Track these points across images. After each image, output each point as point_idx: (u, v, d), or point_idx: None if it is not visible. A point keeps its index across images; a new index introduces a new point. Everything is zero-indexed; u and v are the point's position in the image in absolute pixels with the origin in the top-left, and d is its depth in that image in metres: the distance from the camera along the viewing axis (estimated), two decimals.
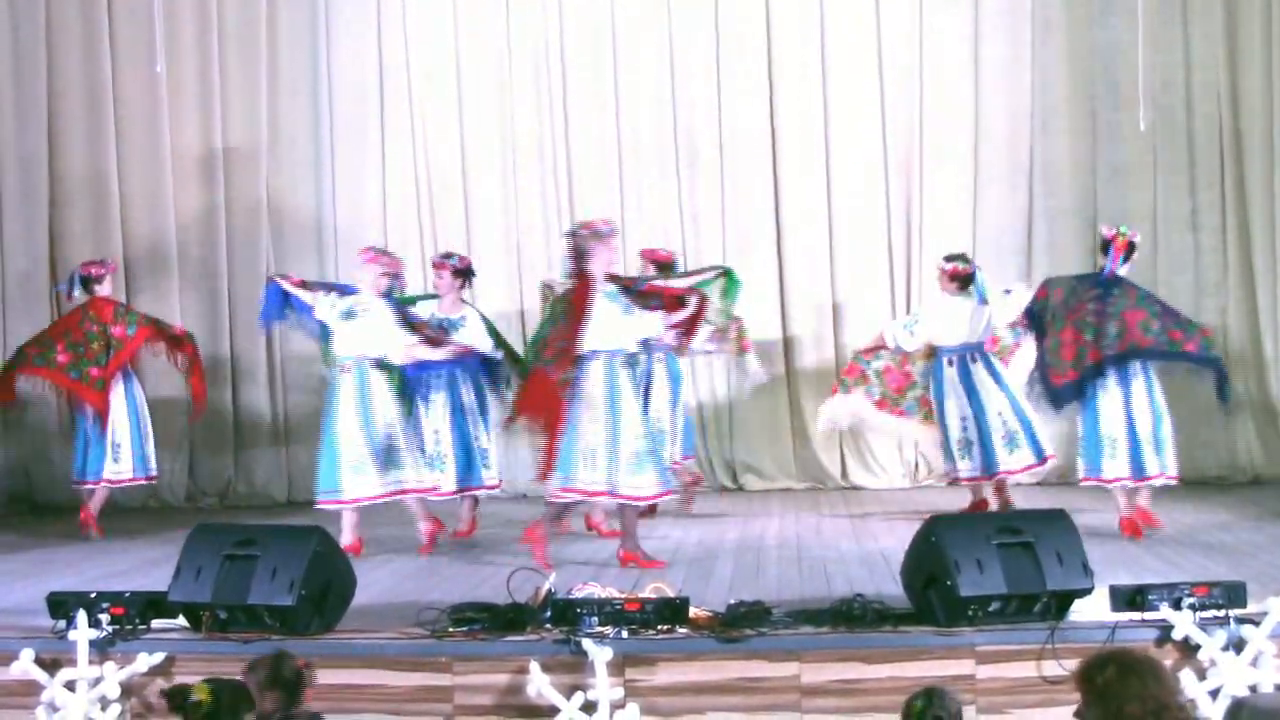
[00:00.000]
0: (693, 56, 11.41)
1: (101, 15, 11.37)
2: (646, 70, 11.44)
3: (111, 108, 11.39)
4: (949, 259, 9.49)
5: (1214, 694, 5.65)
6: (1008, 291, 9.34)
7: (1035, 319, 8.74)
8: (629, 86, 11.44)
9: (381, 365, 8.48)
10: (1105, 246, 8.61)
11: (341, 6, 11.53)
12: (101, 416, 9.65)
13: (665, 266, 9.64)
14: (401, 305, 8.73)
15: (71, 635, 6.05)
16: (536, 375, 7.96)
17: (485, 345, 9.07)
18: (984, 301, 9.27)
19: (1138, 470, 8.44)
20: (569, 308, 7.93)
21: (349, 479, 8.35)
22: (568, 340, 7.83)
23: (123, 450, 9.75)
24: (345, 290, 8.76)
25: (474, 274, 9.31)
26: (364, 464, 8.35)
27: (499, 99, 11.49)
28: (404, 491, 8.48)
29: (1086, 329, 8.42)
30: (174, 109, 11.42)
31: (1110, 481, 8.47)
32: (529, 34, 11.48)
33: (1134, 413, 8.46)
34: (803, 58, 11.33)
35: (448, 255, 9.39)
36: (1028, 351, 9.12)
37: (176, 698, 4.71)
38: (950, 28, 11.24)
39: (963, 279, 9.29)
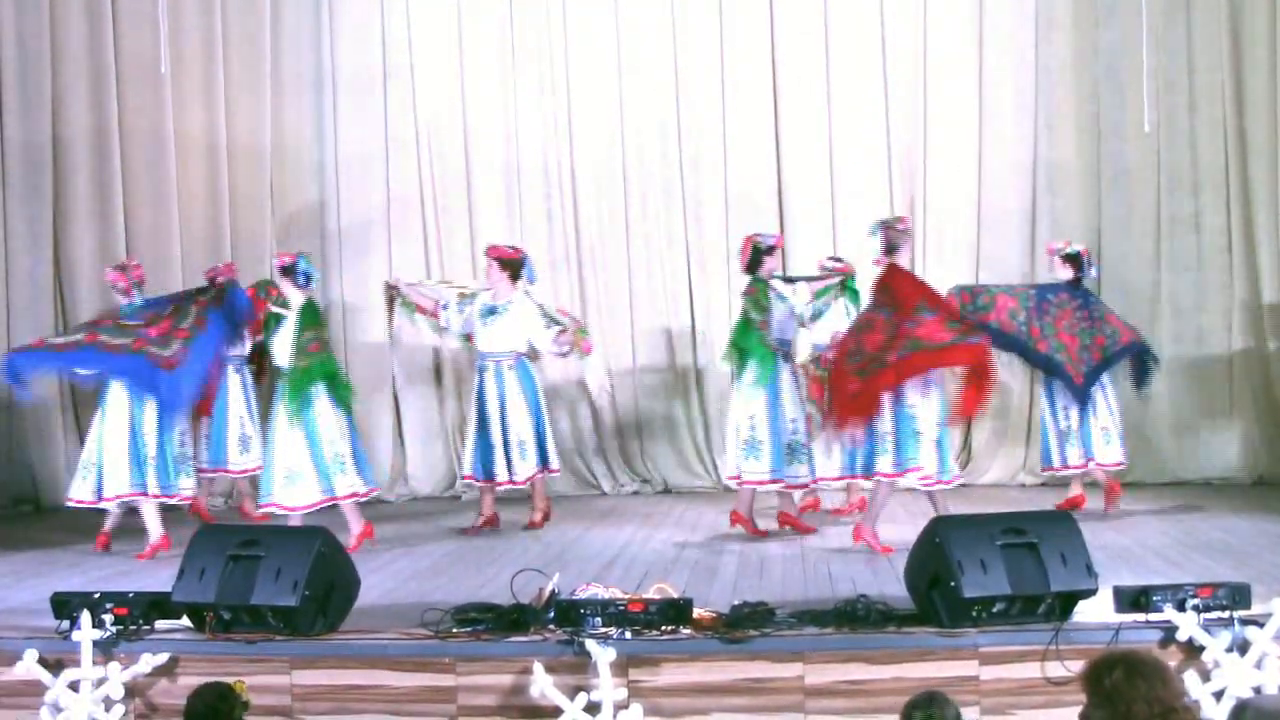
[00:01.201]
0: (696, 58, 11.41)
1: (105, 16, 11.36)
2: (650, 71, 11.44)
3: (116, 108, 11.38)
4: (838, 260, 9.71)
5: (1218, 695, 5.65)
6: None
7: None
8: (632, 87, 11.45)
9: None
10: (1076, 259, 9.43)
11: (345, 7, 11.53)
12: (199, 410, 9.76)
13: (510, 264, 9.41)
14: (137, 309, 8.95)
15: (75, 636, 6.06)
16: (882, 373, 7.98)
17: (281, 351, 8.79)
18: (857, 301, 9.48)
19: (1126, 454, 9.52)
20: (901, 294, 8.15)
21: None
22: (961, 319, 8.30)
23: (252, 441, 9.99)
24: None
25: (295, 270, 8.81)
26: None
27: (502, 98, 11.50)
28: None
29: (1083, 334, 9.14)
30: (178, 110, 11.42)
31: (1113, 466, 9.32)
32: (533, 33, 11.48)
33: (1120, 404, 9.43)
34: (806, 58, 11.33)
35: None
36: None
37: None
38: (954, 28, 11.23)
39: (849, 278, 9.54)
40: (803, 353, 9.42)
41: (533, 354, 9.55)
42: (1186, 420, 10.94)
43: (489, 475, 9.34)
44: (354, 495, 8.67)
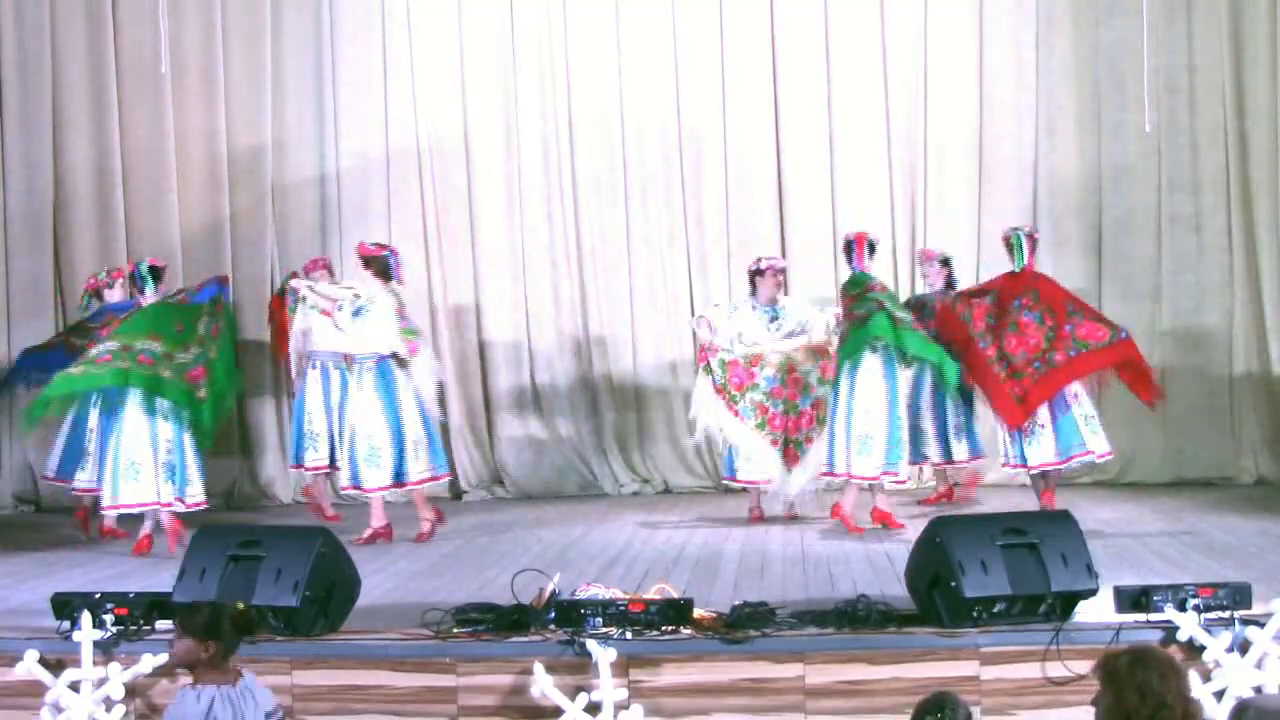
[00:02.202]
0: (697, 58, 11.40)
1: (106, 17, 11.36)
2: (650, 71, 11.43)
3: (116, 109, 11.38)
4: (768, 259, 9.80)
5: (1219, 695, 5.65)
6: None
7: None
8: (633, 87, 11.44)
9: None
10: (948, 264, 9.97)
11: (345, 8, 11.53)
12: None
13: (371, 261, 9.08)
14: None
15: (76, 636, 6.06)
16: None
17: None
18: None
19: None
20: (1049, 297, 8.97)
21: None
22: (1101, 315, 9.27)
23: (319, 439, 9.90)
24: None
25: (133, 277, 9.06)
26: None
27: (503, 100, 11.49)
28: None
29: None
30: (178, 111, 11.41)
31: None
32: (533, 35, 11.47)
33: None
34: (807, 59, 11.32)
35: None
36: None
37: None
38: (955, 29, 11.23)
39: None
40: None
41: (399, 358, 9.10)
42: (1187, 420, 10.93)
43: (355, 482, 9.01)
44: (166, 503, 8.65)
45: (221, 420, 9.17)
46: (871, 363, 8.78)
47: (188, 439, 8.69)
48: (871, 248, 9.15)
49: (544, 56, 11.48)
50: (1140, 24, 10.01)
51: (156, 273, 8.99)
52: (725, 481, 9.92)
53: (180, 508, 8.65)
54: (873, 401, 8.75)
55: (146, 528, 8.74)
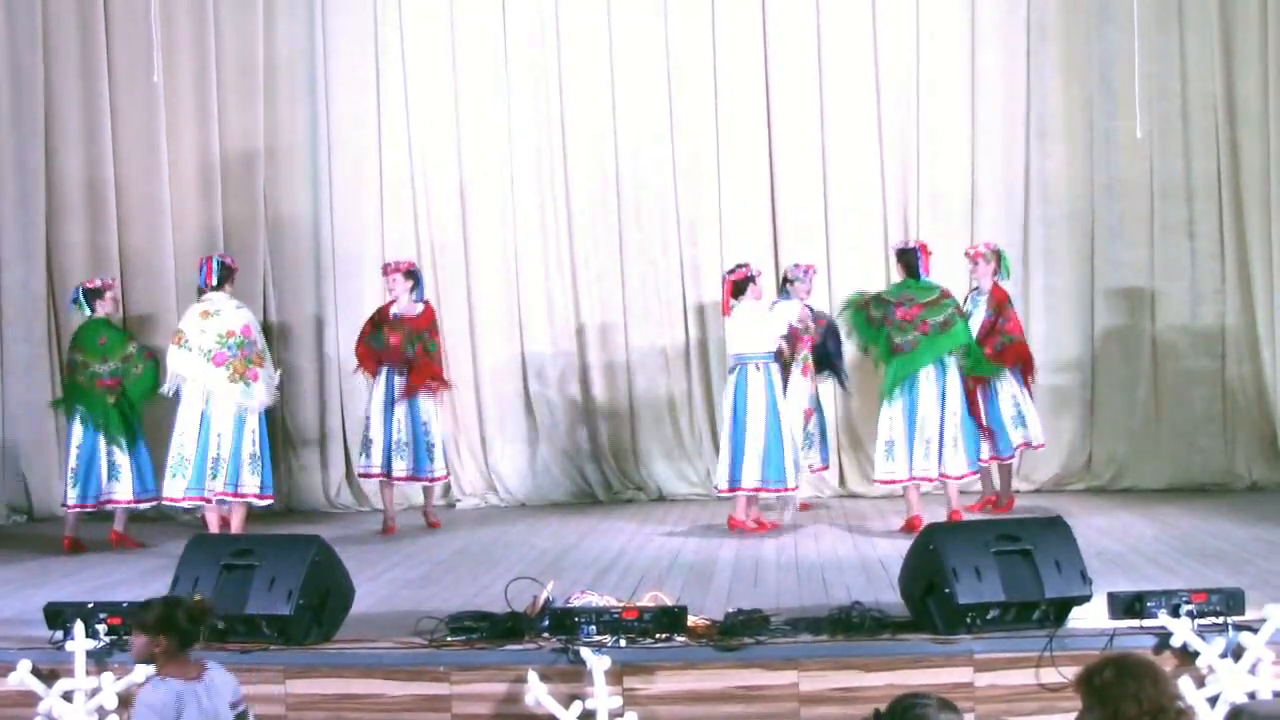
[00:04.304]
0: (689, 69, 11.40)
1: (99, 26, 11.35)
2: (643, 82, 11.43)
3: (109, 119, 11.37)
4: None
5: (1212, 701, 5.65)
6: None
7: None
8: (626, 98, 11.43)
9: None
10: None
11: (338, 17, 11.52)
12: None
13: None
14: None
15: (69, 646, 6.05)
16: None
17: None
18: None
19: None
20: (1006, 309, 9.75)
21: None
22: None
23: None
24: None
25: (77, 301, 9.72)
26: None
27: (496, 108, 11.48)
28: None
29: None
30: (171, 120, 11.39)
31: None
32: (526, 42, 11.48)
33: None
34: (799, 68, 11.33)
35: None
36: None
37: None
38: (947, 36, 11.25)
39: None
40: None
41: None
42: (1180, 426, 10.95)
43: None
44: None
45: (134, 426, 9.56)
46: (952, 365, 9.08)
47: (101, 442, 9.37)
48: (928, 255, 9.38)
49: (537, 65, 11.48)
50: (1132, 32, 10.02)
51: (90, 293, 9.68)
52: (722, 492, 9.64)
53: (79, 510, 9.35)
54: (957, 404, 9.03)
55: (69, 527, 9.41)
